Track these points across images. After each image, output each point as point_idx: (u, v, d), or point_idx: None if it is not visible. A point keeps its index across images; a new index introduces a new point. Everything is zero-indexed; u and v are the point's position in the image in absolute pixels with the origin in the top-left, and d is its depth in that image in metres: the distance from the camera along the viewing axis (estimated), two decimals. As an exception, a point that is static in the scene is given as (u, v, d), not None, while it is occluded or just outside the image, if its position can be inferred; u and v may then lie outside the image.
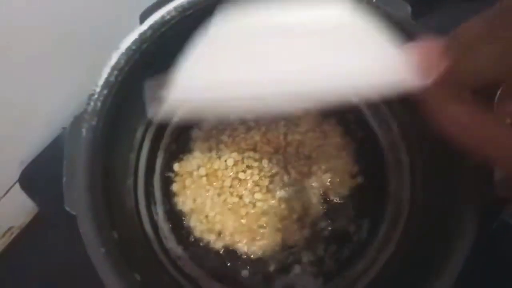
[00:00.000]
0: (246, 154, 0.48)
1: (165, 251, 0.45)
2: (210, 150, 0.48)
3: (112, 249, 0.33)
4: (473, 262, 0.53)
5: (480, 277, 0.55)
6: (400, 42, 0.34)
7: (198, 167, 0.47)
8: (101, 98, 0.34)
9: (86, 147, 0.33)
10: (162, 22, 0.35)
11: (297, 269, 0.46)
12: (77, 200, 0.32)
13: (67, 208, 0.32)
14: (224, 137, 0.49)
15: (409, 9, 0.34)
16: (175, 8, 0.35)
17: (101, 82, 0.34)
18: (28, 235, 0.65)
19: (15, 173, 0.57)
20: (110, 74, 0.34)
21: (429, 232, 0.40)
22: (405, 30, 0.34)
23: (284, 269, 0.46)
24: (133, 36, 0.34)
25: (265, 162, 0.48)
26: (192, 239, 0.46)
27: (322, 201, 0.47)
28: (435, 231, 0.38)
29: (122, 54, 0.34)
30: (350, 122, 0.49)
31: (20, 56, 0.46)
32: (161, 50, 0.37)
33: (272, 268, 0.46)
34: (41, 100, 0.55)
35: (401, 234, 0.45)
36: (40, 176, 0.55)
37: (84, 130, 0.33)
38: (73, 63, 0.54)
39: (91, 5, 0.47)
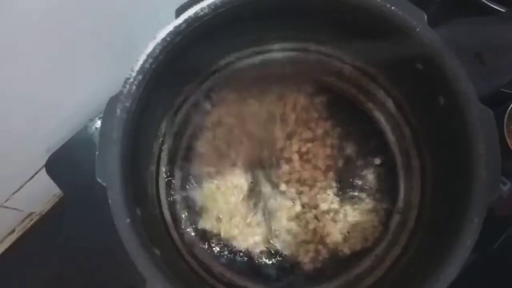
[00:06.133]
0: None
1: (181, 236, 0.47)
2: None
3: (136, 223, 0.35)
4: (480, 276, 0.55)
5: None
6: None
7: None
8: (136, 83, 0.36)
9: (120, 124, 0.35)
10: (196, 18, 0.38)
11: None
12: (109, 172, 0.34)
13: (99, 180, 0.34)
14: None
15: (425, 17, 0.37)
16: (209, 6, 0.38)
17: (137, 68, 0.37)
18: (47, 222, 0.68)
19: (42, 160, 0.60)
20: (145, 61, 0.37)
21: (435, 236, 0.41)
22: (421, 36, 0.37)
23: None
24: (169, 28, 0.37)
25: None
26: (206, 229, 0.49)
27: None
28: (439, 235, 0.39)
29: (158, 44, 0.37)
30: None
31: (52, 49, 0.50)
32: (192, 44, 0.40)
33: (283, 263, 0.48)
34: (70, 92, 0.58)
35: (409, 236, 0.46)
36: (66, 163, 0.58)
37: (118, 110, 0.36)
38: (102, 60, 0.57)
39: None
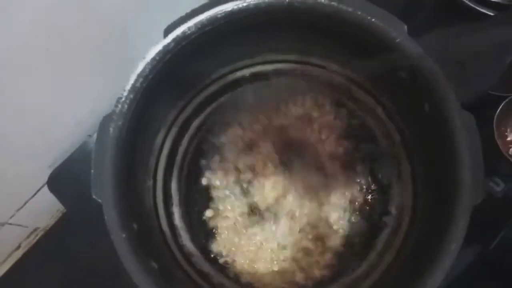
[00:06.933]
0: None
1: (180, 247, 0.48)
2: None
3: (132, 237, 0.37)
4: (478, 276, 0.56)
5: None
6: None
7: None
8: (127, 102, 0.38)
9: (113, 143, 0.37)
10: (184, 36, 0.39)
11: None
12: (104, 189, 0.36)
13: (94, 197, 0.36)
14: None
15: (405, 28, 0.38)
16: (195, 24, 0.39)
17: (128, 87, 0.38)
18: (52, 237, 0.69)
19: (44, 176, 0.61)
20: (136, 81, 0.38)
21: (425, 241, 0.42)
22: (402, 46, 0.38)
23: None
24: (158, 47, 0.39)
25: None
26: (206, 240, 0.50)
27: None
28: (429, 240, 0.40)
29: (147, 63, 0.39)
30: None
31: (50, 68, 0.51)
32: (182, 61, 0.41)
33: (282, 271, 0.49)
34: (68, 109, 0.60)
35: (403, 240, 0.47)
36: (67, 179, 0.60)
37: (111, 129, 0.37)
38: (98, 76, 0.59)
39: (120, 22, 0.52)
